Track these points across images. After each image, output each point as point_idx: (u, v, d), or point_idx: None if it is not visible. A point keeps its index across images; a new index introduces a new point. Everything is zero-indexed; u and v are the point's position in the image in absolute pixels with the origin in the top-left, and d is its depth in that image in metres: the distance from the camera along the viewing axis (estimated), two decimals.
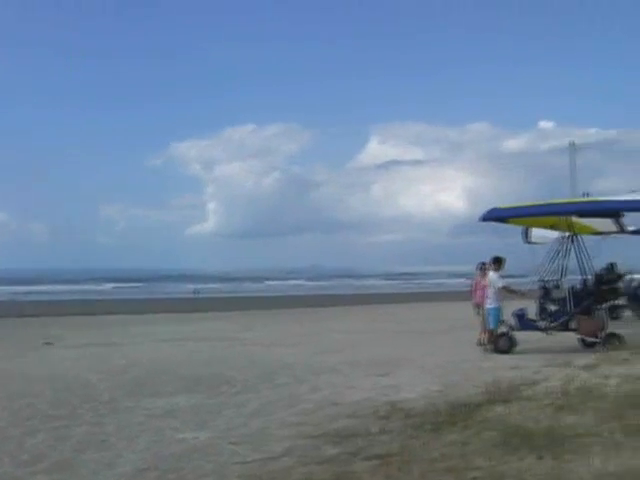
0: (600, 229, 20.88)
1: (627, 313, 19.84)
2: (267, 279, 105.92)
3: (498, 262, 19.55)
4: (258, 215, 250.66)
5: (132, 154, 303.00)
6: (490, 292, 19.36)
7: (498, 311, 19.22)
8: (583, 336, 18.87)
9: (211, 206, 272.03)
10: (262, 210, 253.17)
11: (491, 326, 19.24)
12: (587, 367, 12.59)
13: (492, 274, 19.57)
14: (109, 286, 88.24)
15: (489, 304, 19.34)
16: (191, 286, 79.83)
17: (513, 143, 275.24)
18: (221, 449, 9.07)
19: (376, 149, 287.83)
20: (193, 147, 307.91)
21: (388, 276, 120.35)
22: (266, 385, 14.26)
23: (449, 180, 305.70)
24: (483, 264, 21.10)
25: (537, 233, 23.61)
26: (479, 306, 20.58)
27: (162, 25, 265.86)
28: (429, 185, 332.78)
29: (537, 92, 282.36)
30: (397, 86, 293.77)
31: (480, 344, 19.93)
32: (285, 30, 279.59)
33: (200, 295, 65.67)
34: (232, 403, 12.41)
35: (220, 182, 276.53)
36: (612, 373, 11.62)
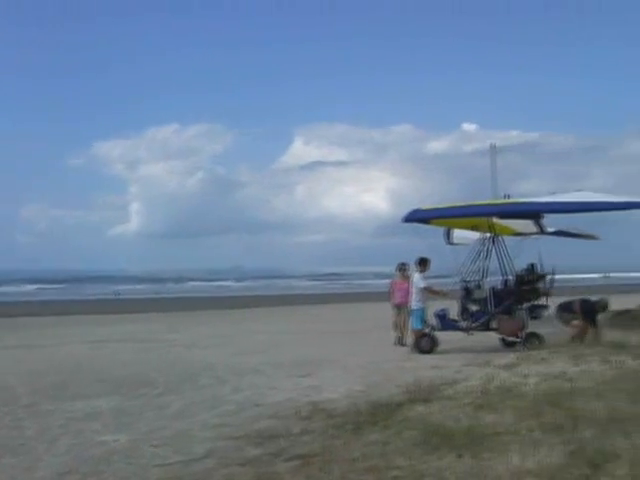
0: (520, 230, 21.15)
1: (547, 313, 20.10)
2: (191, 280, 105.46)
3: (423, 263, 19.73)
4: (182, 215, 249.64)
5: (54, 153, 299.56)
6: (414, 293, 19.53)
7: (422, 312, 19.39)
8: (504, 336, 19.15)
9: (134, 206, 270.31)
10: (186, 210, 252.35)
11: (415, 326, 19.41)
12: (507, 366, 12.75)
13: (416, 275, 19.74)
14: (31, 287, 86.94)
15: (414, 305, 19.51)
16: (114, 287, 79.14)
17: (436, 145, 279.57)
18: (142, 451, 8.97)
19: (300, 150, 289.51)
20: (116, 147, 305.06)
21: (312, 277, 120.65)
22: (188, 386, 14.15)
23: (373, 181, 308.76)
24: (402, 265, 21.30)
25: (459, 234, 23.82)
26: (400, 307, 20.79)
27: (85, 27, 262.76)
28: (353, 186, 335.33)
29: (460, 95, 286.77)
30: (321, 87, 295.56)
31: (396, 344, 20.15)
32: (210, 33, 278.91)
33: (121, 296, 65.19)
34: (154, 405, 12.29)
35: (143, 182, 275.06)
36: (531, 372, 11.78)
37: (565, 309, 18.62)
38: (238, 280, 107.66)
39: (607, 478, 6.29)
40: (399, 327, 20.85)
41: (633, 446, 6.87)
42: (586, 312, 18.25)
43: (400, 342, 20.38)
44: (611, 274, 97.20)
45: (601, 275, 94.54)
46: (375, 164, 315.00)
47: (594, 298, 19.31)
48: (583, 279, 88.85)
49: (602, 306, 18.72)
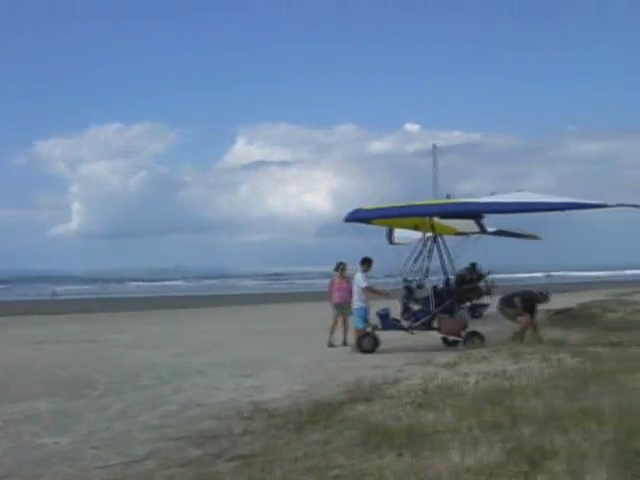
0: (462, 230, 21.31)
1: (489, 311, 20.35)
2: (133, 280, 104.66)
3: (367, 263, 19.78)
4: (124, 215, 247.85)
5: None
6: (356, 292, 19.58)
7: (364, 311, 19.42)
8: (445, 335, 19.26)
9: (76, 206, 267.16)
10: (128, 210, 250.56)
11: (358, 326, 19.44)
12: (448, 365, 12.84)
13: (358, 274, 19.79)
14: None
15: (356, 304, 19.55)
16: (54, 287, 78.27)
17: (379, 145, 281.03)
18: (82, 453, 8.87)
19: (243, 150, 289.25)
20: (57, 145, 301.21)
21: (255, 277, 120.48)
22: (129, 387, 14.04)
23: (316, 181, 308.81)
24: (341, 264, 21.29)
25: (400, 234, 23.96)
26: (339, 306, 20.78)
27: (27, 29, 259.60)
28: (296, 186, 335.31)
29: (403, 95, 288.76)
30: (264, 87, 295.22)
31: (330, 346, 20.14)
32: (151, 35, 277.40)
33: (60, 296, 64.59)
34: (94, 406, 12.15)
35: (85, 181, 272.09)
36: (471, 371, 11.89)
37: (508, 303, 18.75)
38: (181, 280, 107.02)
39: (545, 475, 6.36)
40: (341, 327, 20.82)
41: (570, 443, 6.95)
42: (526, 301, 18.40)
43: (332, 344, 20.36)
44: (553, 273, 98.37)
45: (543, 274, 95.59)
46: (318, 164, 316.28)
47: (536, 289, 19.55)
48: (526, 278, 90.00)
49: (544, 297, 18.91)
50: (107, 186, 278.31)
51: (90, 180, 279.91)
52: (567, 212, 17.88)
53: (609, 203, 17.33)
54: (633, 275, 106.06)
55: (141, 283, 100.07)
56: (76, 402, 12.61)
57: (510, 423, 7.94)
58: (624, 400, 8.33)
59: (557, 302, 21.28)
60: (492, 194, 19.87)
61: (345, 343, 20.25)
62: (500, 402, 8.90)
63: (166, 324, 30.97)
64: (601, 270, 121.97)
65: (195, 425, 10.15)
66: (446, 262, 20.06)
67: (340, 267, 21.29)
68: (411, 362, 14.75)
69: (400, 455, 7.26)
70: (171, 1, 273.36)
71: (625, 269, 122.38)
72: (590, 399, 8.75)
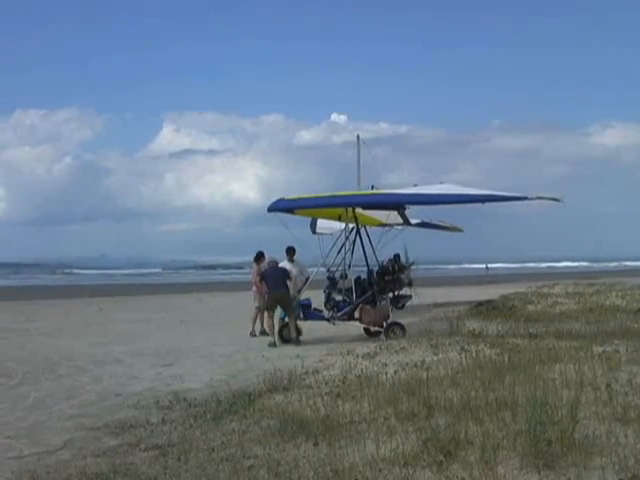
0: (385, 221, 21.40)
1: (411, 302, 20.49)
2: (57, 268, 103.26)
3: (291, 252, 19.78)
4: (48, 202, 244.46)
5: None
6: None
7: None
8: (366, 325, 19.31)
9: None
10: (52, 197, 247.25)
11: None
12: (367, 356, 12.90)
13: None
14: None
15: None
16: None
17: (306, 135, 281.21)
18: None
19: (170, 138, 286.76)
20: None
21: (180, 266, 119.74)
22: (47, 376, 13.89)
23: (243, 170, 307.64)
24: (260, 253, 21.14)
25: (322, 224, 23.97)
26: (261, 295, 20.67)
27: None
28: (223, 175, 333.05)
29: (330, 86, 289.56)
30: (192, 76, 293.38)
31: (252, 335, 20.06)
32: (79, 17, 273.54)
33: None
34: (10, 396, 12.02)
35: (9, 167, 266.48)
36: (390, 361, 11.96)
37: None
38: (104, 268, 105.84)
39: (459, 464, 6.43)
40: (260, 316, 20.69)
41: (485, 433, 7.03)
42: None
43: (254, 334, 20.28)
44: (492, 265, 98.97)
45: (482, 266, 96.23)
46: (245, 153, 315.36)
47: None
48: (466, 269, 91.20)
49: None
50: (31, 173, 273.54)
51: (14, 166, 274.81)
52: (488, 204, 18.13)
53: (529, 196, 17.59)
54: (562, 267, 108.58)
55: (65, 271, 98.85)
56: None
57: (426, 413, 8.02)
58: (538, 391, 8.45)
59: (480, 294, 21.45)
60: (415, 186, 20.00)
61: (263, 332, 20.18)
62: (417, 392, 8.96)
63: (86, 313, 30.58)
64: (533, 262, 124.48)
65: (113, 415, 10.13)
66: (369, 253, 20.11)
67: (259, 257, 21.17)
68: (332, 352, 14.80)
69: (316, 445, 7.30)
70: None
71: (554, 262, 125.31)
72: (505, 390, 8.86)
